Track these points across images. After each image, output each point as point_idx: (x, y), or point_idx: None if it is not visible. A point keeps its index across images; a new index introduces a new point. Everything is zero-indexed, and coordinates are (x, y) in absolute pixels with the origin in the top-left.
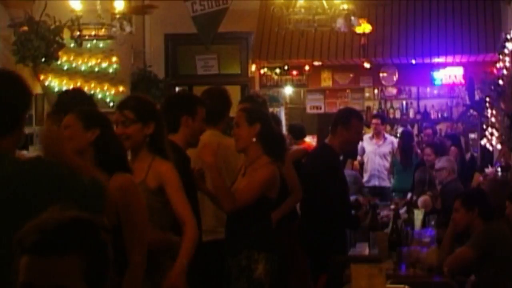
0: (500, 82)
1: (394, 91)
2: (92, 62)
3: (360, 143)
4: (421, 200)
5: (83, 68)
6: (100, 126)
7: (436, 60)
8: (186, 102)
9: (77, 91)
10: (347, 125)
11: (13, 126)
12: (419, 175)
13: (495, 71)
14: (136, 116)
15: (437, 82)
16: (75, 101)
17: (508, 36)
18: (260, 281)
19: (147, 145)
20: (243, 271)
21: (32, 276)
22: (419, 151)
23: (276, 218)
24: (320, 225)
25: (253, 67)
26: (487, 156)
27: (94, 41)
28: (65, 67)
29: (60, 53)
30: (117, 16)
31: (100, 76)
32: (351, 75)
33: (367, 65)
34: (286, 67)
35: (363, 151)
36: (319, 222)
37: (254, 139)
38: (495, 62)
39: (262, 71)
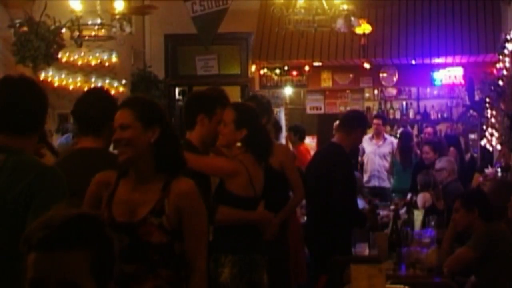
0: (500, 82)
1: (394, 91)
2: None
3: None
4: (420, 196)
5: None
6: (160, 124)
7: (436, 60)
8: (205, 101)
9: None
10: (364, 129)
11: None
12: (423, 178)
13: (495, 71)
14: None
15: (437, 83)
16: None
17: (508, 37)
18: (226, 286)
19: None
20: (210, 275)
21: (40, 272)
22: (418, 151)
23: (281, 219)
24: (326, 224)
25: (253, 68)
26: (487, 156)
27: (94, 42)
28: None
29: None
30: (117, 16)
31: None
32: (351, 76)
33: (367, 65)
34: (286, 68)
35: (363, 151)
36: (326, 221)
37: (239, 144)
38: (495, 63)
39: (262, 72)
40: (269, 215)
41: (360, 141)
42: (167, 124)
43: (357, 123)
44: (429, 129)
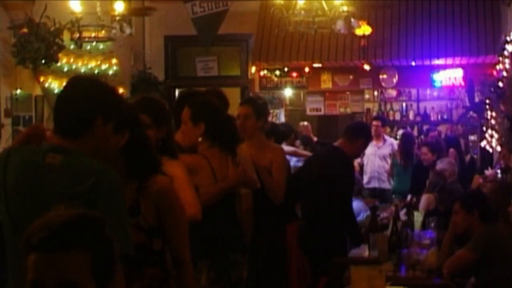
0: (500, 84)
1: (394, 93)
2: (92, 64)
3: None
4: (424, 197)
5: (83, 70)
6: (130, 128)
7: (436, 62)
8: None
9: None
10: (368, 140)
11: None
12: (435, 179)
13: (494, 73)
14: (152, 120)
15: (437, 84)
16: None
17: (508, 38)
18: None
19: (157, 147)
20: None
21: (41, 273)
22: (419, 152)
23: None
24: (323, 226)
25: (253, 69)
26: (487, 158)
27: (94, 43)
28: (65, 69)
29: (60, 55)
30: (117, 18)
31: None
32: (351, 77)
33: (367, 67)
34: (286, 69)
35: (363, 153)
36: (323, 222)
37: (200, 139)
38: (495, 64)
39: (262, 73)
40: (241, 172)
41: (361, 152)
42: (137, 129)
43: (361, 133)
44: (435, 133)
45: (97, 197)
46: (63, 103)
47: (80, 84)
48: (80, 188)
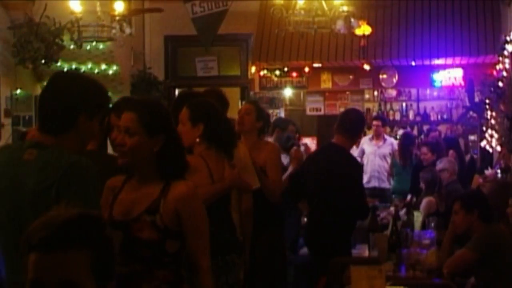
0: (500, 84)
1: (393, 93)
2: (92, 63)
3: (360, 144)
4: (425, 200)
5: (83, 70)
6: (165, 132)
7: (436, 62)
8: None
9: None
10: (363, 131)
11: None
12: (428, 176)
13: (494, 73)
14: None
15: (437, 84)
16: None
17: (508, 38)
18: None
19: None
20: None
21: (41, 273)
22: (419, 152)
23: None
24: (329, 225)
25: (253, 69)
26: (487, 158)
27: (94, 43)
28: (65, 69)
29: (60, 55)
30: (117, 17)
31: (100, 78)
32: (350, 77)
33: (366, 67)
34: (285, 69)
35: (363, 152)
36: (329, 222)
37: (198, 140)
38: (495, 64)
39: (262, 73)
40: (236, 174)
41: (357, 139)
42: (172, 132)
43: (360, 127)
44: (436, 133)
45: (65, 188)
46: (45, 101)
47: (61, 81)
48: (49, 182)
